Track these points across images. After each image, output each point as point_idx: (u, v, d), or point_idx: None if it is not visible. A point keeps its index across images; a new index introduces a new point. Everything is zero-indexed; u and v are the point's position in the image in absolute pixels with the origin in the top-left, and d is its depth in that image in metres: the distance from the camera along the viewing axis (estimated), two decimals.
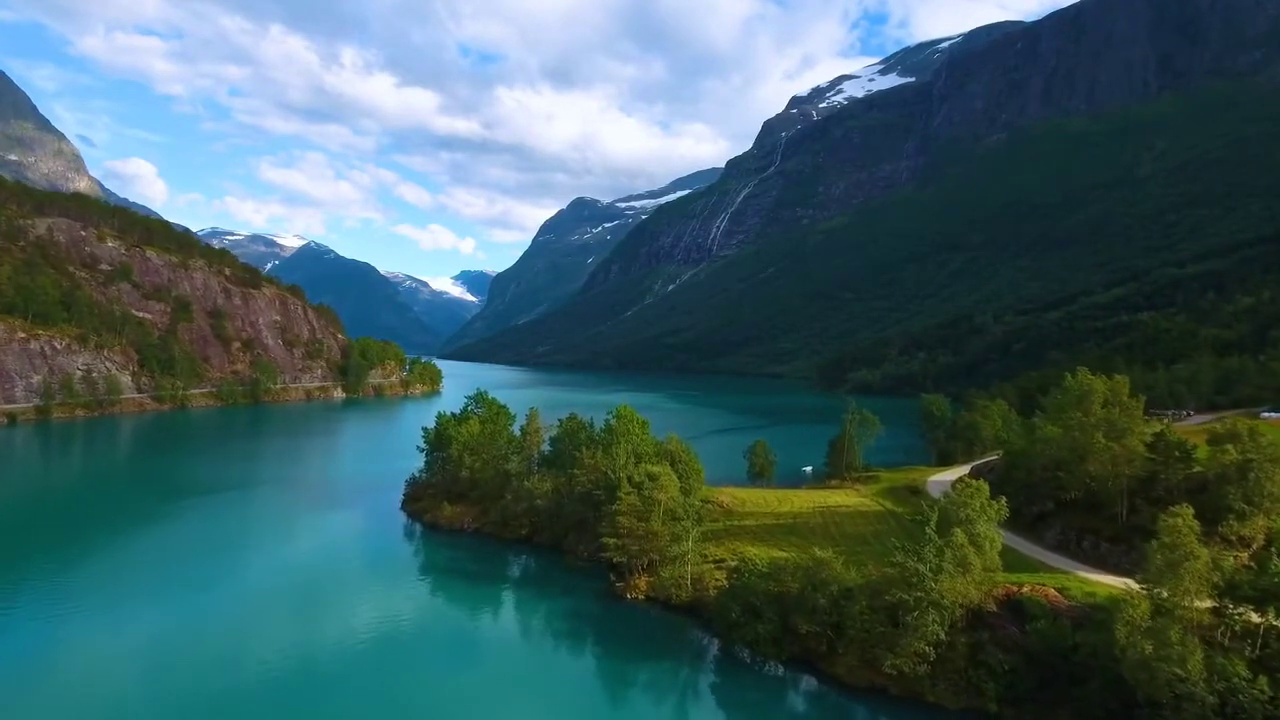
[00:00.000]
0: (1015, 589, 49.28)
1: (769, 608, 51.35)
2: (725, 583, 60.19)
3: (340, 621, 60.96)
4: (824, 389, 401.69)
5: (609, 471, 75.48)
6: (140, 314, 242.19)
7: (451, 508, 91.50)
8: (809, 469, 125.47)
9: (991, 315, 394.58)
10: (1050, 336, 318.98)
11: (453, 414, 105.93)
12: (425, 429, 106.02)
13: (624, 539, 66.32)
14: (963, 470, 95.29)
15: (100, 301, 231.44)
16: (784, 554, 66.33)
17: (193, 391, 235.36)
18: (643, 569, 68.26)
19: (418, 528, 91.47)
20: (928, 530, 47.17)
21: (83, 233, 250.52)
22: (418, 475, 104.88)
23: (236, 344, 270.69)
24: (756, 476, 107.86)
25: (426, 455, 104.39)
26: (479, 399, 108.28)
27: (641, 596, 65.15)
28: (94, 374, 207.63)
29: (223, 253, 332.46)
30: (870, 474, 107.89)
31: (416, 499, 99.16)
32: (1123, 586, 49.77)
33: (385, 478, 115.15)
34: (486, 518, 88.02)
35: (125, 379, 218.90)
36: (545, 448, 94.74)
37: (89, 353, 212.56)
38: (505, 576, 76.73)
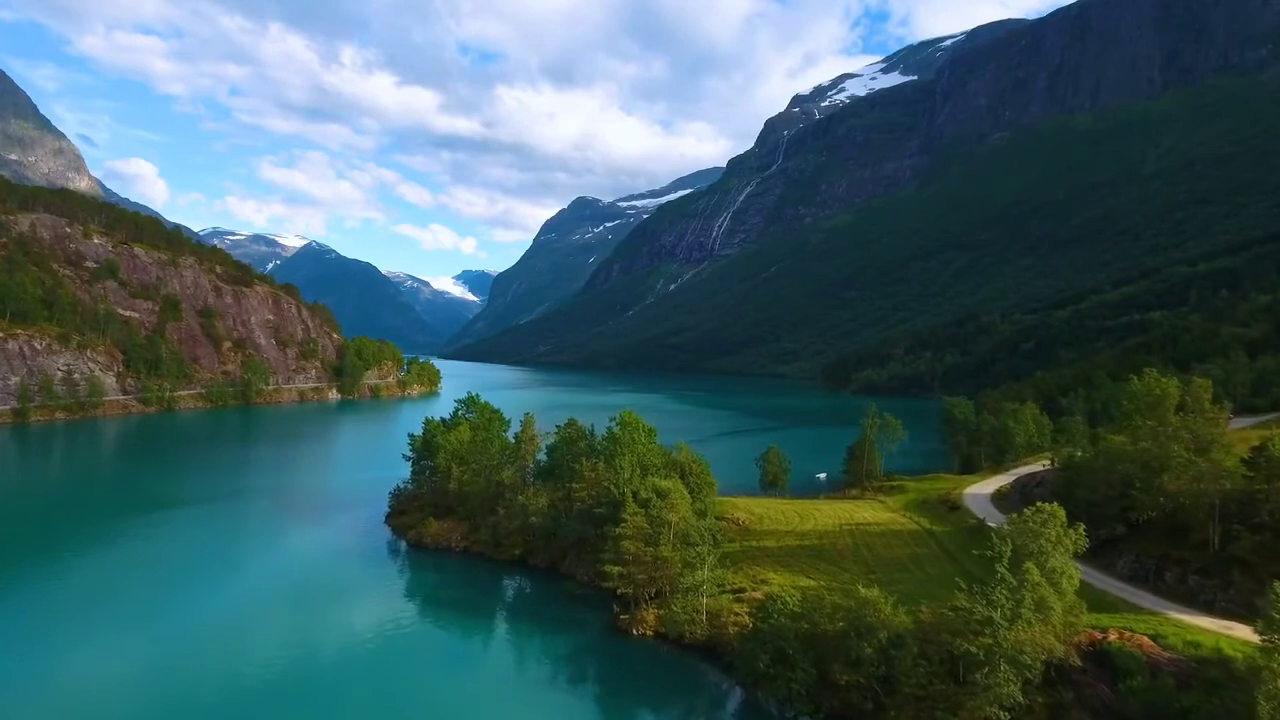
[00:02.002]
0: (1099, 635, 41.18)
1: (802, 654, 43.41)
2: (746, 618, 52.14)
3: (306, 656, 52.95)
4: (829, 389, 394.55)
5: (612, 486, 67.33)
6: (127, 313, 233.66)
7: (438, 523, 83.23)
8: (823, 475, 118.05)
9: (999, 314, 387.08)
10: (1060, 335, 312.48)
11: (441, 419, 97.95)
12: (412, 435, 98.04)
13: (629, 566, 58.12)
14: (1001, 480, 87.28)
15: (84, 300, 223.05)
16: (812, 582, 58.61)
17: (181, 393, 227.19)
18: (650, 598, 60.28)
19: (402, 545, 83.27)
20: (999, 569, 38.92)
21: (68, 229, 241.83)
22: (403, 486, 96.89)
23: (227, 344, 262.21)
24: (770, 486, 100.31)
25: (413, 464, 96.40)
26: (470, 402, 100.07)
27: (649, 632, 56.78)
28: (75, 375, 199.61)
29: (214, 250, 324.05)
30: (894, 483, 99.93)
31: (401, 513, 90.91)
32: (1226, 631, 42.01)
33: (373, 486, 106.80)
34: (476, 535, 79.73)
35: (109, 380, 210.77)
36: (541, 457, 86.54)
37: (71, 352, 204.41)
38: (496, 605, 68.63)
